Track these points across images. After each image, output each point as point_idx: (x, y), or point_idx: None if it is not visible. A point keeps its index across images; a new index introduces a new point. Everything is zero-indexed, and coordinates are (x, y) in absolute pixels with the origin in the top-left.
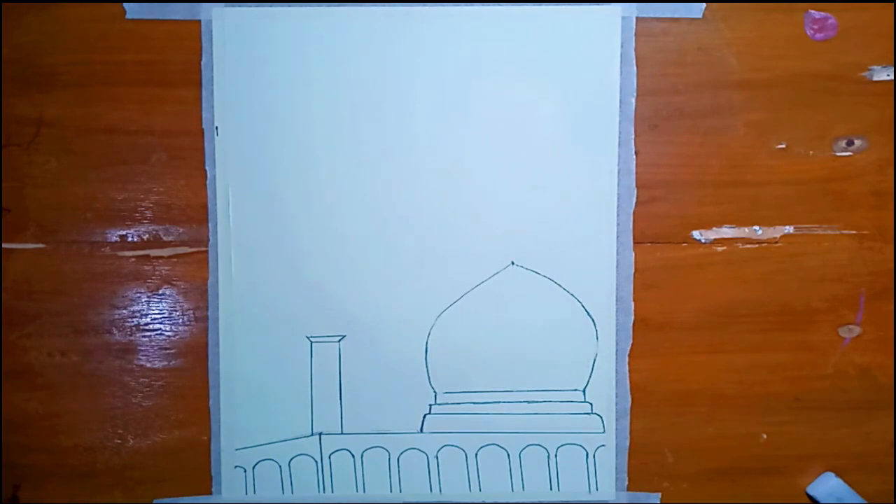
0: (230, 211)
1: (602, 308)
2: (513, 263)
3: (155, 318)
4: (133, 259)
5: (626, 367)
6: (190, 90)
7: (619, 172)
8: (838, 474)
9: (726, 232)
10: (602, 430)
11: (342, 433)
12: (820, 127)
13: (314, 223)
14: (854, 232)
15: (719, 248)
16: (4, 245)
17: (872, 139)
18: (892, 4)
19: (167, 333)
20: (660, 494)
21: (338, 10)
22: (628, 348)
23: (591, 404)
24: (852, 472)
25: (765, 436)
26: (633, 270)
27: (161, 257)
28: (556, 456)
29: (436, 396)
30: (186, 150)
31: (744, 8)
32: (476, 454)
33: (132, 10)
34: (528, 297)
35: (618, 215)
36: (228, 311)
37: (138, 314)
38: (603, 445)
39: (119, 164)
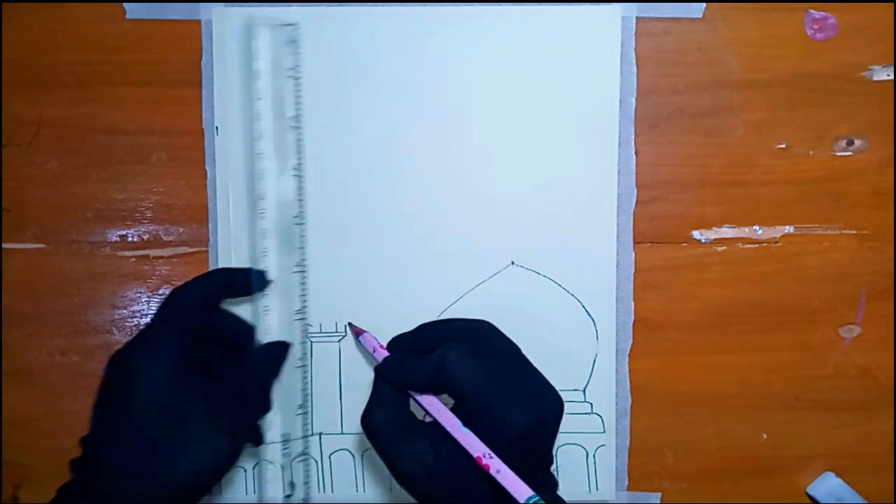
0: (230, 211)
1: (602, 308)
2: (513, 263)
3: None
4: (133, 259)
5: (626, 367)
6: (190, 90)
7: (619, 172)
8: (838, 474)
9: (726, 232)
10: (602, 430)
11: (342, 433)
12: (820, 127)
13: (314, 223)
14: (854, 232)
15: (719, 248)
16: (4, 245)
17: (872, 139)
18: (892, 4)
19: None
20: (660, 494)
21: (338, 9)
22: (628, 348)
23: (591, 404)
24: (852, 472)
25: (765, 436)
26: (633, 270)
27: (161, 257)
28: (556, 456)
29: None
30: (186, 150)
31: (744, 8)
32: None
33: (132, 10)
34: (528, 297)
35: (618, 215)
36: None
37: (138, 314)
38: (603, 445)
39: (119, 164)
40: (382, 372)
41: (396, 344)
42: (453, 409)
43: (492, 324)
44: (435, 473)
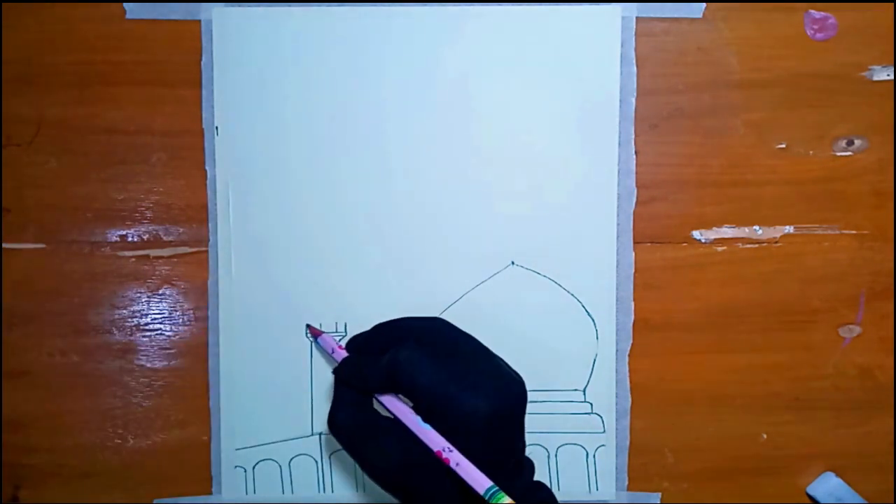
0: (230, 211)
1: (602, 308)
2: (513, 263)
3: (155, 318)
4: (133, 259)
5: (626, 367)
6: (190, 90)
7: (619, 172)
8: (838, 474)
9: (726, 232)
10: (602, 430)
11: None
12: (820, 127)
13: (314, 223)
14: (854, 232)
15: (719, 248)
16: (4, 245)
17: (872, 139)
18: (892, 4)
19: (167, 333)
20: (660, 494)
21: (338, 9)
22: (628, 348)
23: (591, 404)
24: (852, 472)
25: (765, 436)
26: (633, 270)
27: (161, 257)
28: (556, 456)
29: None
30: (186, 150)
31: (744, 8)
32: None
33: (132, 10)
34: (528, 297)
35: (618, 215)
36: (228, 310)
37: (138, 314)
38: (603, 445)
39: (119, 164)
40: (340, 375)
41: (354, 344)
42: (413, 406)
43: (445, 320)
44: (402, 467)
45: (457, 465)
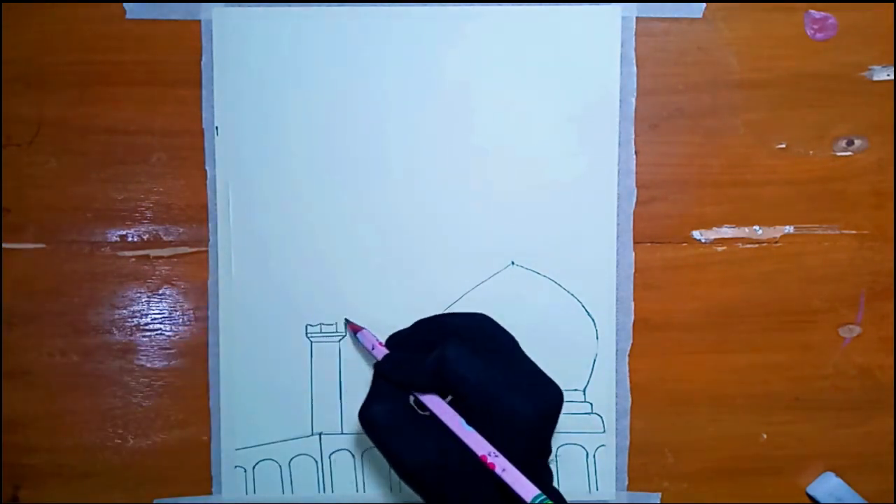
0: (230, 211)
1: (602, 308)
2: (513, 263)
3: (155, 318)
4: (133, 259)
5: (626, 367)
6: (190, 90)
7: (619, 172)
8: (838, 474)
9: (726, 232)
10: (602, 430)
11: (342, 433)
12: (820, 127)
13: (314, 223)
14: (854, 232)
15: (719, 248)
16: (4, 245)
17: (872, 139)
18: (892, 4)
19: (167, 333)
20: (660, 494)
21: (338, 9)
22: (628, 348)
23: (591, 404)
24: (852, 472)
25: (765, 436)
26: (633, 270)
27: (161, 257)
28: (556, 456)
29: None
30: (186, 150)
31: (744, 8)
32: None
33: (132, 10)
34: (528, 297)
35: (618, 215)
36: (228, 310)
37: (138, 314)
38: (603, 445)
39: (119, 164)
40: (383, 371)
41: (394, 341)
42: (454, 405)
43: (487, 315)
44: (438, 467)
45: (503, 470)
